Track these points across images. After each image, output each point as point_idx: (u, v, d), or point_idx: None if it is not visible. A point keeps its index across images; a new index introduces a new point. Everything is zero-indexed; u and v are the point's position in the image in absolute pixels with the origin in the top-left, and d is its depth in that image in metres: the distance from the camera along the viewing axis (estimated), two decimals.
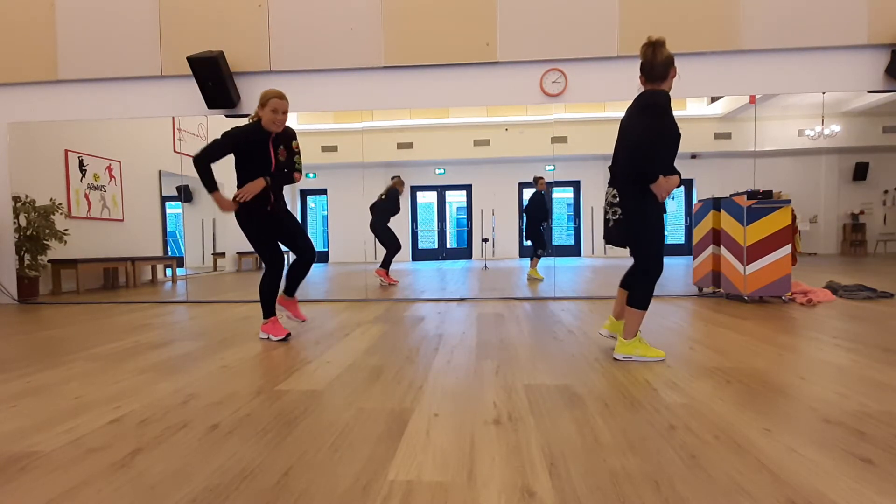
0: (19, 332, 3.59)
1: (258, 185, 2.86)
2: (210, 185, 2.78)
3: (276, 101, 2.81)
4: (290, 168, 3.02)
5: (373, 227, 6.52)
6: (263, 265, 3.03)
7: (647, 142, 2.25)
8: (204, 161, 2.75)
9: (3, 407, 1.88)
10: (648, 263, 2.38)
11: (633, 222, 2.38)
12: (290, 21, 5.00)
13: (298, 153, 3.06)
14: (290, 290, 3.27)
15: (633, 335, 2.42)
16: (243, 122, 2.92)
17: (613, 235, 2.49)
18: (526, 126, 8.69)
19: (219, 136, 2.81)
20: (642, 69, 2.35)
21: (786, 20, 4.73)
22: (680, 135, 2.36)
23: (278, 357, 2.62)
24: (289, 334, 3.05)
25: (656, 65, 2.29)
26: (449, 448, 1.44)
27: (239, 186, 2.87)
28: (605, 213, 2.51)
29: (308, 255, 3.10)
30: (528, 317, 3.83)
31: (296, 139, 3.05)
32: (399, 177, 6.52)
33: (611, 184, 2.47)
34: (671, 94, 2.37)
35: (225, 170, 2.90)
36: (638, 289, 2.41)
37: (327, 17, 4.99)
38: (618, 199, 2.42)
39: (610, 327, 2.69)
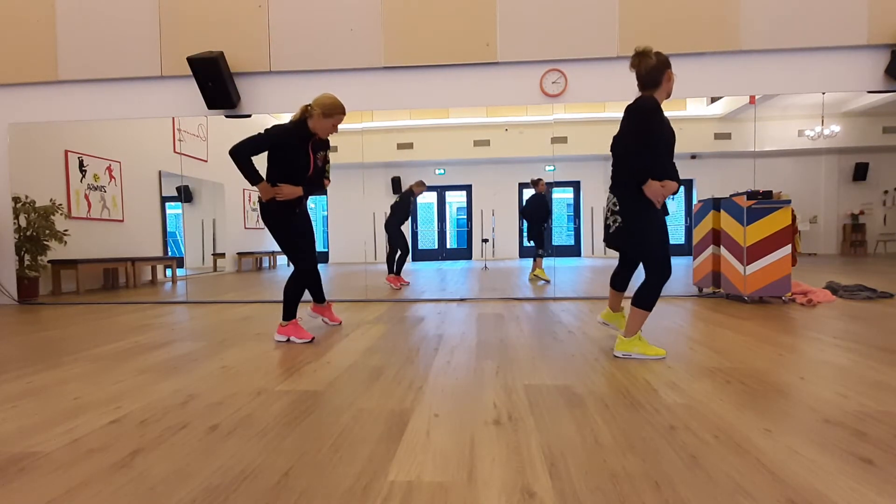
0: (19, 332, 3.59)
1: (296, 191, 2.90)
2: (254, 177, 2.77)
3: (341, 118, 2.89)
4: (321, 175, 3.07)
5: (385, 226, 6.56)
6: (292, 267, 3.04)
7: (633, 147, 2.29)
8: (244, 154, 2.73)
9: (3, 407, 1.88)
10: (655, 268, 2.36)
11: (633, 229, 2.38)
12: (290, 21, 5.00)
13: (328, 162, 3.13)
14: (318, 296, 3.38)
15: (634, 334, 2.43)
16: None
17: (615, 240, 2.52)
18: (526, 126, 8.69)
19: (260, 132, 2.80)
20: (637, 77, 2.41)
21: (786, 20, 4.73)
22: (673, 138, 2.39)
23: (278, 358, 2.62)
24: (313, 338, 3.02)
25: (642, 75, 2.37)
26: (449, 448, 1.44)
27: (272, 183, 2.88)
28: (606, 218, 2.53)
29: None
30: (528, 317, 3.82)
31: (329, 149, 3.11)
32: (421, 181, 6.50)
33: (611, 190, 2.49)
34: (672, 94, 2.41)
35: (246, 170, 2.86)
36: (645, 290, 2.39)
37: (327, 18, 4.99)
38: (618, 206, 2.43)
39: (606, 316, 2.81)
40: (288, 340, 3.00)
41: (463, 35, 4.93)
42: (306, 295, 3.18)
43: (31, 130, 5.57)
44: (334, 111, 2.84)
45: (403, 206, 6.47)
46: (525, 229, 6.85)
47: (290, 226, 2.97)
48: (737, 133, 8.40)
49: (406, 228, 6.50)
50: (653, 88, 2.37)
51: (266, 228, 2.97)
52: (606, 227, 2.54)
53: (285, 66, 5.04)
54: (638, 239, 2.39)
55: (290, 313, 3.01)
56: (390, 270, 6.41)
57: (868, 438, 1.44)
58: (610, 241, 2.56)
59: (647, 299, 2.38)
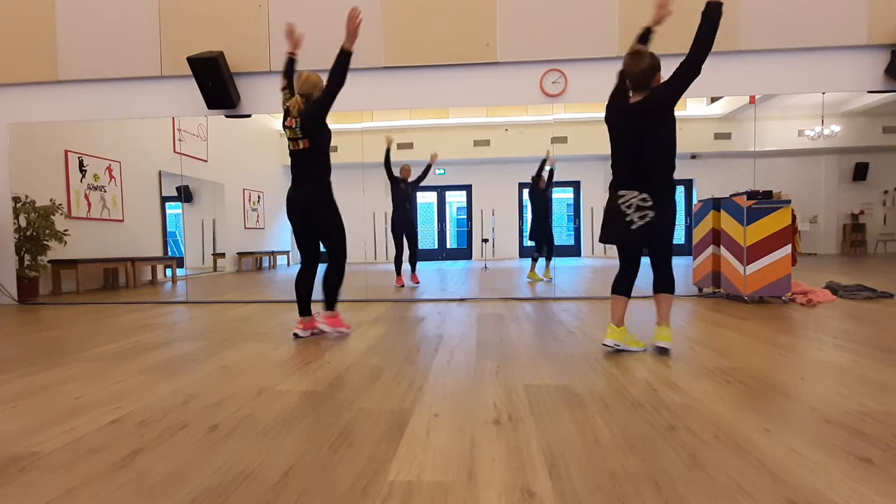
0: (19, 332, 3.59)
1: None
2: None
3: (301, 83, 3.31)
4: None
5: (392, 228, 6.56)
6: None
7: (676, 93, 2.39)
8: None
9: (3, 407, 1.88)
10: (671, 254, 2.56)
11: (666, 222, 2.47)
12: (290, 21, 4.99)
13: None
14: (306, 306, 3.18)
15: (669, 319, 2.59)
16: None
17: (637, 238, 2.43)
18: (526, 126, 8.70)
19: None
20: (628, 77, 2.42)
21: (786, 20, 4.72)
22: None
23: (278, 357, 2.62)
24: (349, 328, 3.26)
25: (637, 75, 2.38)
26: (449, 448, 1.44)
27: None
28: (626, 215, 2.43)
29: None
30: (528, 317, 3.82)
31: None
32: (404, 165, 6.50)
33: (632, 186, 2.43)
34: None
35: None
36: (670, 275, 2.55)
37: (327, 18, 4.98)
38: (649, 201, 2.38)
39: (619, 337, 2.53)
40: (335, 331, 3.17)
41: (463, 35, 4.93)
42: (317, 294, 3.15)
43: (31, 130, 5.58)
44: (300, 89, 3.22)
45: (398, 195, 6.41)
46: (529, 228, 6.85)
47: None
48: (737, 133, 8.41)
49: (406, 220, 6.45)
50: (643, 90, 2.38)
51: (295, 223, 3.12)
52: (628, 223, 2.43)
53: None
54: (667, 232, 2.51)
55: (332, 304, 3.16)
56: (413, 269, 6.43)
57: (868, 438, 1.44)
58: (630, 238, 2.46)
59: (673, 283, 2.56)
